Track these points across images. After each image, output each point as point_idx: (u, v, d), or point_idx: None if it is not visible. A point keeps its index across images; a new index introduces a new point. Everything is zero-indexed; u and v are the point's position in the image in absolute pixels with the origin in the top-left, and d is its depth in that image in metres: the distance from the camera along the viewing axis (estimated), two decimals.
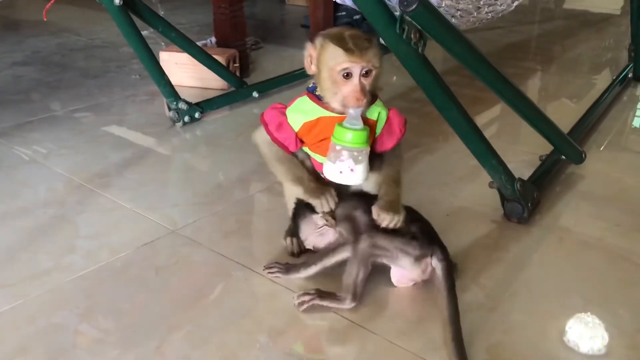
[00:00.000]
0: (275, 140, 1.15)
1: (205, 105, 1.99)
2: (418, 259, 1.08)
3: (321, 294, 1.06)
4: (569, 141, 1.52)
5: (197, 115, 1.94)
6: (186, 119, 1.91)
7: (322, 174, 1.14)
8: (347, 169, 1.06)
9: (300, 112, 1.13)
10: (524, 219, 1.33)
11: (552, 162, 1.54)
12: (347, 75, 1.04)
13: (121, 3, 1.64)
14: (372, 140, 1.12)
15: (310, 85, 1.14)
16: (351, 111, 1.05)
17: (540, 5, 4.42)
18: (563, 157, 1.55)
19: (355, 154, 1.05)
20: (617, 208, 1.43)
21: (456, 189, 1.52)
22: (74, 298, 1.10)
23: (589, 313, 1.03)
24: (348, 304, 1.05)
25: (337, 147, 1.06)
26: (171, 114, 1.90)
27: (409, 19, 0.98)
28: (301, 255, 1.21)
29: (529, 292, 1.12)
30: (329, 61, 1.05)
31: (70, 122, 1.97)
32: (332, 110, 1.09)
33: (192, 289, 1.12)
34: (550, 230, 1.33)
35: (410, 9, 0.95)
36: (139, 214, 1.39)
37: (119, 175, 1.59)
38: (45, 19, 1.72)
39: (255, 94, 2.16)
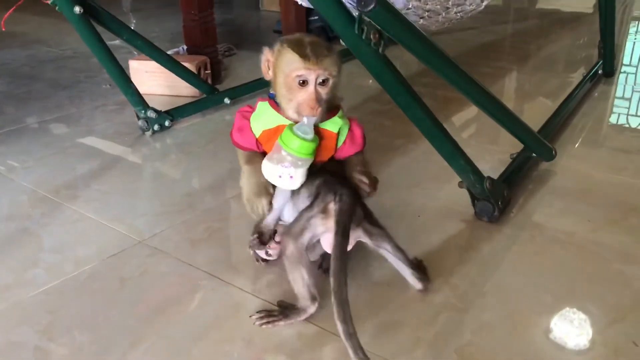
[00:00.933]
0: (235, 143, 1.14)
1: (175, 113, 1.96)
2: (323, 211, 1.01)
3: (284, 313, 1.03)
4: (539, 139, 1.52)
5: (167, 123, 1.91)
6: (156, 127, 1.88)
7: None
8: (287, 175, 1.03)
9: (260, 118, 1.11)
10: (494, 217, 1.32)
11: (523, 159, 1.54)
12: (303, 83, 1.02)
13: (82, 12, 1.61)
14: (332, 152, 1.11)
15: (272, 91, 1.12)
16: (305, 120, 1.03)
17: (514, 5, 4.45)
18: (534, 154, 1.55)
19: (300, 162, 1.03)
20: (588, 203, 1.42)
21: (427, 189, 1.51)
22: (35, 314, 1.06)
23: (574, 309, 1.03)
24: (311, 309, 1.03)
25: (283, 152, 1.02)
26: (140, 122, 1.87)
27: (368, 19, 0.97)
28: (267, 261, 1.19)
29: (500, 292, 1.11)
30: (285, 67, 1.03)
31: (38, 134, 1.94)
32: (289, 119, 1.08)
33: (158, 300, 1.10)
34: (522, 228, 1.33)
35: (368, 8, 0.94)
36: (105, 225, 1.36)
37: (85, 186, 1.56)
38: (4, 29, 1.68)
39: (227, 101, 2.14)
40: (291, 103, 1.05)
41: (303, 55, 1.01)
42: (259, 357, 0.96)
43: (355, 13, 1.00)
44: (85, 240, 1.30)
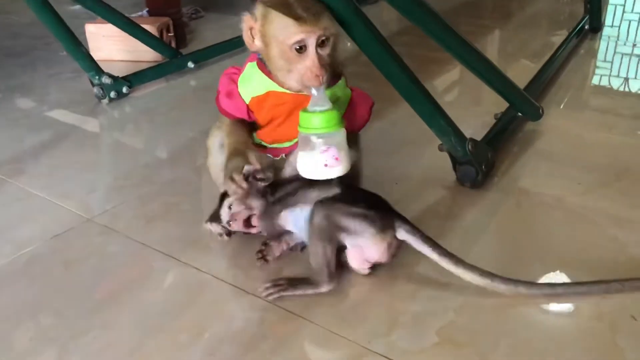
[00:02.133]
0: (223, 111, 1.01)
1: (134, 79, 1.82)
2: (382, 231, 0.92)
3: (292, 282, 0.93)
4: (526, 97, 1.41)
5: (124, 89, 1.77)
6: (112, 94, 1.74)
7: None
8: (331, 158, 0.89)
9: (249, 83, 0.98)
10: (478, 182, 1.21)
11: (508, 120, 1.43)
12: (301, 49, 0.89)
13: None
14: None
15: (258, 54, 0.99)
16: (314, 91, 0.89)
17: None
18: (519, 114, 1.43)
19: (335, 138, 0.89)
20: (577, 166, 1.32)
21: (407, 155, 1.40)
22: None
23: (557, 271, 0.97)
24: (326, 287, 0.92)
25: (312, 138, 0.89)
26: (95, 90, 1.73)
27: None
28: (231, 235, 1.07)
29: (485, 263, 1.00)
30: (278, 34, 0.90)
31: None
32: (284, 86, 0.95)
33: (106, 285, 0.98)
34: (507, 193, 1.23)
35: None
36: (52, 202, 1.23)
37: (34, 160, 1.43)
38: None
39: (190, 65, 2.00)
40: (291, 74, 0.93)
41: (296, 17, 0.87)
42: (215, 346, 0.85)
43: None
44: (28, 219, 1.18)
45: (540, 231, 1.10)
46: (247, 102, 0.99)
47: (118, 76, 1.76)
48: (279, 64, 0.93)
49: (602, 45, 2.25)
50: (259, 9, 0.92)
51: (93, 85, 1.72)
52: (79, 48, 1.67)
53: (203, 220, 1.10)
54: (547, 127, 1.51)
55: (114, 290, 0.96)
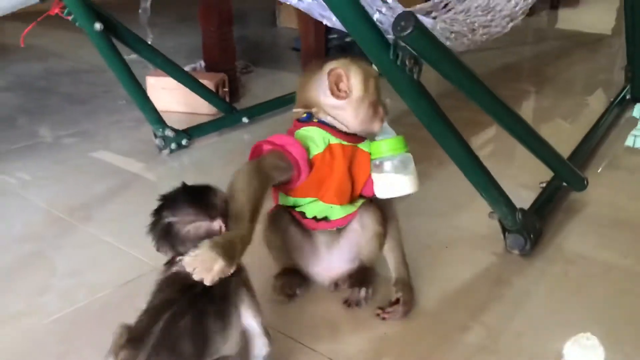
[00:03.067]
0: (271, 144, 1.01)
1: (193, 132, 1.92)
2: None
3: None
4: (570, 167, 1.46)
5: (184, 142, 1.88)
6: (173, 146, 1.85)
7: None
8: (395, 179, 1.03)
9: (319, 139, 1.04)
10: (526, 250, 1.26)
11: (553, 189, 1.48)
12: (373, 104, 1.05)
13: (102, 28, 1.58)
14: (365, 175, 1.08)
15: (304, 116, 1.07)
16: (384, 126, 1.06)
17: (533, 26, 4.40)
18: (564, 183, 1.49)
19: (397, 162, 1.03)
20: (623, 237, 1.36)
21: (455, 218, 1.46)
22: (47, 343, 1.02)
23: (588, 334, 1.00)
24: None
25: (377, 162, 1.04)
26: (157, 141, 1.83)
27: (404, 44, 0.92)
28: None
29: (533, 331, 1.05)
30: (361, 95, 1.03)
31: (53, 149, 1.91)
32: (342, 137, 1.06)
33: None
34: (554, 262, 1.27)
35: (405, 33, 0.90)
36: (121, 249, 1.31)
37: (100, 206, 1.52)
38: (22, 45, 1.66)
39: (244, 120, 2.10)
40: (357, 121, 1.05)
41: (374, 75, 1.06)
42: None
43: (389, 36, 0.95)
44: (99, 265, 1.26)
45: (586, 302, 1.14)
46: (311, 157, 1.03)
47: (179, 129, 1.87)
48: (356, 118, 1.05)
49: None
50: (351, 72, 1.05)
51: (156, 136, 1.83)
52: (147, 102, 1.79)
53: (261, 273, 1.17)
54: (591, 197, 1.55)
55: None
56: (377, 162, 1.04)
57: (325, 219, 1.10)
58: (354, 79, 1.02)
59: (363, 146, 1.08)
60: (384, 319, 1.06)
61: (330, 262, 1.14)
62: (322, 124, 1.05)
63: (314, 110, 1.05)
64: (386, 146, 1.03)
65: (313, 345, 1.01)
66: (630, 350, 1.00)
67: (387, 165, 1.03)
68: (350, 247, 1.13)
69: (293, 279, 1.14)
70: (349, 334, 1.05)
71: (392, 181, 1.04)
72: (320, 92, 1.04)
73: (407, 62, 0.95)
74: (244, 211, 0.87)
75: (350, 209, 1.10)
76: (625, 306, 1.12)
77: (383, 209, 1.11)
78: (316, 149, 1.04)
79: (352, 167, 1.07)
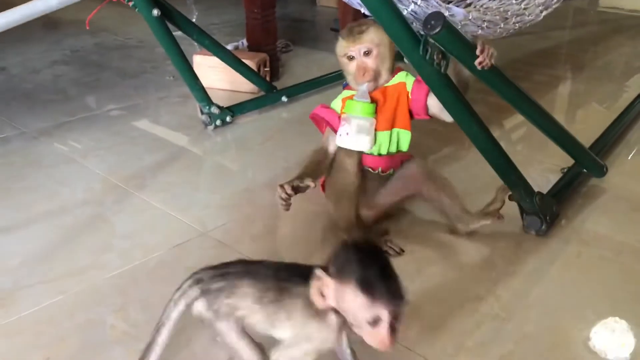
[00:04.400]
0: (318, 116, 1.34)
1: (236, 109, 2.06)
2: None
3: None
4: (590, 154, 1.54)
5: (228, 119, 2.01)
6: (217, 122, 1.98)
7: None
8: (352, 132, 1.23)
9: (340, 97, 1.34)
10: (542, 232, 1.36)
11: (573, 175, 1.57)
12: (351, 58, 1.27)
13: (159, 14, 1.71)
14: (404, 104, 1.30)
15: (344, 82, 1.36)
16: (359, 87, 1.26)
17: (574, 4, 4.34)
18: (584, 170, 1.57)
19: (362, 122, 1.23)
20: (636, 223, 1.44)
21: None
22: (110, 295, 1.17)
23: (617, 318, 1.09)
24: None
25: (347, 117, 1.25)
26: (203, 117, 1.97)
27: (433, 41, 1.03)
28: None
29: (543, 305, 1.16)
30: (338, 51, 1.30)
31: (106, 122, 2.06)
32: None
33: None
34: (569, 243, 1.36)
35: (435, 32, 1.00)
36: (171, 215, 1.46)
37: (152, 176, 1.67)
38: (87, 27, 1.80)
39: (284, 99, 2.22)
40: (350, 77, 1.31)
41: (346, 37, 1.27)
42: None
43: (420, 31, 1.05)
44: (152, 228, 1.40)
45: (596, 281, 1.23)
46: (339, 110, 1.31)
47: (224, 106, 2.00)
48: (345, 72, 1.32)
49: None
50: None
51: (202, 113, 1.96)
52: (195, 81, 1.93)
53: (299, 242, 1.30)
54: (611, 184, 1.62)
55: None
56: (347, 117, 1.25)
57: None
58: (337, 47, 1.30)
59: (394, 81, 1.31)
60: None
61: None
62: (347, 86, 1.36)
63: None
64: (359, 107, 1.23)
65: None
66: (634, 328, 1.10)
67: (354, 123, 1.23)
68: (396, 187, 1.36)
69: None
70: None
71: (354, 138, 1.24)
72: None
73: (435, 57, 1.05)
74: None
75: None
76: (631, 287, 1.21)
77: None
78: (342, 97, 1.34)
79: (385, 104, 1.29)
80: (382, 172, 1.34)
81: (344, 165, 1.29)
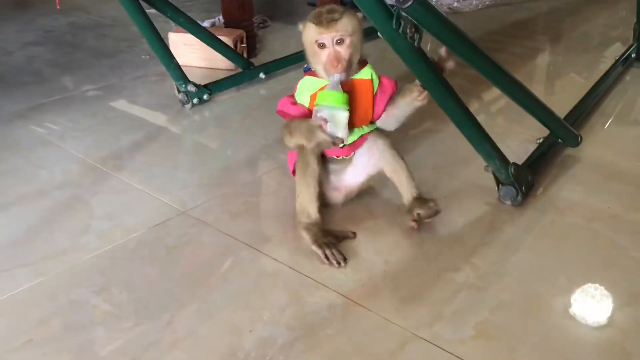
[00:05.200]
0: (290, 116, 1.27)
1: (213, 87, 2.05)
2: None
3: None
4: (565, 125, 1.57)
5: (205, 97, 2.00)
6: (195, 100, 1.97)
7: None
8: (327, 127, 1.18)
9: (305, 90, 1.27)
10: (517, 201, 1.38)
11: (549, 145, 1.59)
12: (322, 46, 1.21)
13: None
14: (369, 100, 1.28)
15: (305, 66, 1.30)
16: (331, 78, 1.21)
17: None
18: (559, 140, 1.59)
19: (337, 113, 1.17)
20: (609, 191, 1.47)
21: (454, 171, 1.57)
22: (91, 276, 1.17)
23: (597, 285, 1.12)
24: None
25: (318, 108, 1.19)
26: (180, 96, 1.96)
27: (405, 15, 1.03)
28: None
29: (518, 273, 1.19)
30: (308, 37, 1.23)
31: (83, 103, 2.04)
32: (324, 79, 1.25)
33: (201, 268, 1.20)
34: (544, 212, 1.39)
35: (407, 5, 1.00)
36: (150, 195, 1.46)
37: (130, 157, 1.66)
38: (58, 7, 1.77)
39: (261, 75, 2.21)
40: (319, 66, 1.24)
41: (317, 23, 1.20)
42: (291, 322, 1.05)
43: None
44: (132, 209, 1.40)
45: (570, 249, 1.26)
46: (308, 105, 1.25)
47: (200, 84, 1.99)
48: (312, 59, 1.25)
49: None
50: (304, 22, 1.24)
51: (179, 91, 1.95)
52: (171, 60, 1.91)
53: (279, 218, 1.32)
54: (585, 153, 1.65)
55: (209, 273, 1.18)
56: (320, 107, 1.19)
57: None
58: (304, 30, 1.23)
59: (360, 75, 1.27)
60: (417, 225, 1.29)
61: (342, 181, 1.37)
62: (309, 72, 1.30)
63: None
64: (331, 97, 1.18)
65: (320, 279, 1.15)
66: (610, 293, 1.13)
67: (325, 113, 1.18)
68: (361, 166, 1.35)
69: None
70: (351, 271, 1.19)
71: (329, 130, 1.18)
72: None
73: (408, 31, 1.05)
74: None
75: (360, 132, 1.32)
76: (600, 254, 1.25)
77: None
78: (310, 92, 1.27)
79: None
80: (346, 157, 1.36)
81: (305, 158, 1.27)
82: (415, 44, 1.08)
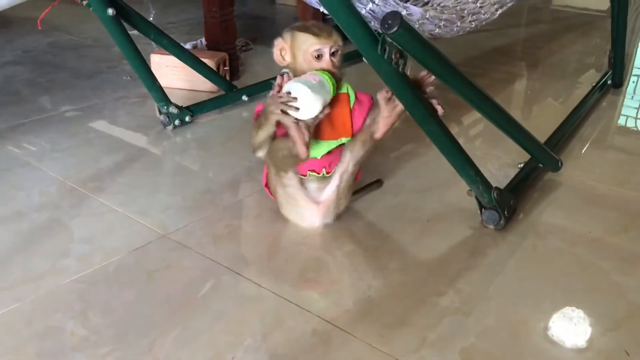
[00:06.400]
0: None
1: (196, 109, 2.04)
2: None
3: None
4: (546, 150, 1.59)
5: (187, 118, 1.99)
6: (177, 122, 1.96)
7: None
8: (314, 86, 1.19)
9: None
10: (500, 226, 1.39)
11: (530, 169, 1.61)
12: (319, 57, 1.26)
13: (114, 13, 1.68)
14: (346, 114, 1.31)
15: (282, 71, 1.32)
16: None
17: (529, 3, 4.45)
18: (540, 165, 1.61)
19: (318, 79, 1.20)
20: (589, 215, 1.49)
21: (437, 194, 1.58)
22: (69, 301, 1.14)
23: (574, 307, 1.13)
24: None
25: (316, 74, 1.23)
26: (162, 117, 1.94)
27: (390, 40, 1.04)
28: None
29: (503, 297, 1.19)
30: (302, 46, 1.26)
31: (63, 124, 2.01)
32: None
33: (182, 292, 1.17)
34: (525, 237, 1.40)
35: (392, 31, 1.01)
36: (131, 218, 1.43)
37: (110, 179, 1.64)
38: (40, 27, 1.75)
39: (244, 98, 2.21)
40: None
41: (315, 34, 1.25)
42: (275, 348, 1.03)
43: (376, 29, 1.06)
44: (112, 232, 1.38)
45: (552, 273, 1.27)
46: None
47: (182, 106, 1.98)
48: (303, 68, 1.27)
49: (627, 100, 2.41)
50: (287, 34, 1.30)
51: (160, 113, 1.94)
52: (153, 81, 1.89)
53: (262, 241, 1.30)
54: (565, 177, 1.67)
55: (191, 298, 1.16)
56: (313, 73, 1.23)
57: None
58: (294, 41, 1.28)
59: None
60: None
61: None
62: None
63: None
64: (328, 77, 1.23)
65: (303, 304, 1.14)
66: (590, 316, 1.14)
67: (319, 79, 1.21)
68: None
69: None
70: (335, 296, 1.18)
71: (313, 95, 1.18)
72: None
73: (393, 56, 1.06)
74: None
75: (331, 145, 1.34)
76: (583, 278, 1.25)
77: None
78: None
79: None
80: (327, 173, 1.36)
81: (282, 180, 1.32)
82: (400, 69, 1.09)
